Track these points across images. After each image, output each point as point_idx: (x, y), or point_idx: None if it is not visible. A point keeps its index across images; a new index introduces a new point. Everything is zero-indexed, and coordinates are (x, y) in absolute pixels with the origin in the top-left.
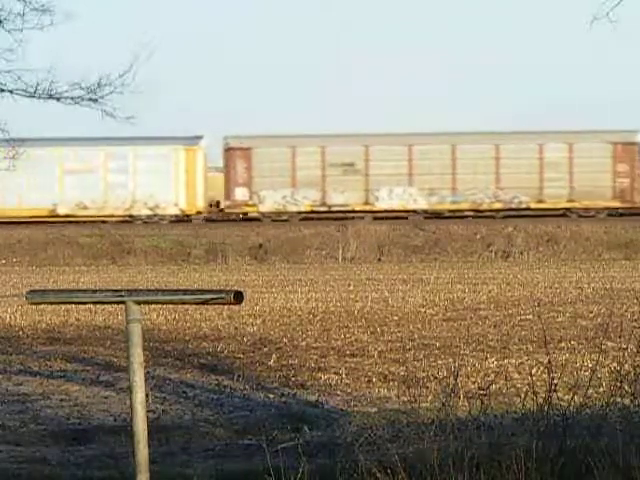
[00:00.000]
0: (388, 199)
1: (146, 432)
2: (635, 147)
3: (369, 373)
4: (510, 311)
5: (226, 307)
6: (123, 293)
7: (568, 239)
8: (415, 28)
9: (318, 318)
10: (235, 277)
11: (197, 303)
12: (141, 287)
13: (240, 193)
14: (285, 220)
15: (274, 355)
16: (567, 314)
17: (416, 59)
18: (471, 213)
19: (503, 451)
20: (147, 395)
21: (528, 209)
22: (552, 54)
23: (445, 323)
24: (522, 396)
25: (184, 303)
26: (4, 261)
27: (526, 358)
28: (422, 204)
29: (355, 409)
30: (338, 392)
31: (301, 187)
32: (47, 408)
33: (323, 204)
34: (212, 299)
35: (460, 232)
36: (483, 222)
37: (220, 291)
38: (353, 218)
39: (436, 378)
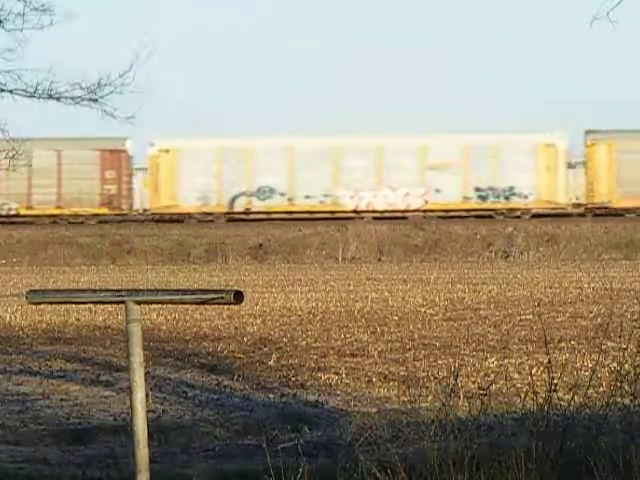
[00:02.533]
0: None
1: (146, 432)
2: (123, 154)
3: (369, 373)
4: (510, 311)
5: (226, 307)
6: (123, 293)
7: (568, 239)
8: (415, 28)
9: (318, 318)
10: (235, 277)
11: (197, 303)
12: (141, 287)
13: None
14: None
15: (274, 355)
16: (567, 314)
17: (416, 59)
18: None
19: (503, 451)
20: (147, 395)
21: (18, 215)
22: (552, 54)
23: (445, 323)
24: (522, 396)
25: (184, 303)
26: (4, 261)
27: (526, 358)
28: None
29: (355, 409)
30: (338, 392)
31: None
32: (47, 408)
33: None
34: (212, 299)
35: (460, 232)
36: (483, 222)
37: (220, 291)
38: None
39: (436, 378)
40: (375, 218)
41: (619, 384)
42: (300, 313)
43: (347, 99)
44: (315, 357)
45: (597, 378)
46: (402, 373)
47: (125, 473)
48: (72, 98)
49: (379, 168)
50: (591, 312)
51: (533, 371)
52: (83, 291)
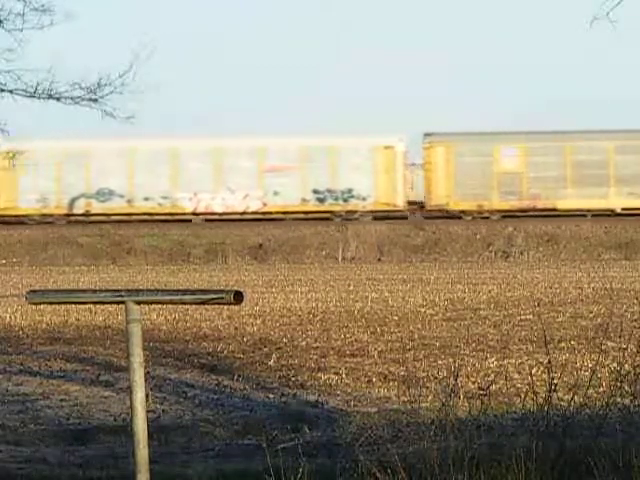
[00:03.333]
0: None
1: (146, 432)
2: None
3: (369, 373)
4: (510, 311)
5: (226, 307)
6: (123, 293)
7: (568, 239)
8: (415, 28)
9: (318, 318)
10: (235, 277)
11: (197, 303)
12: (141, 287)
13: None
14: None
15: (274, 355)
16: (567, 314)
17: (416, 59)
18: None
19: (503, 451)
20: (147, 395)
21: None
22: (552, 54)
23: (445, 323)
24: (522, 396)
25: (184, 303)
26: (4, 261)
27: (526, 358)
28: None
29: (355, 409)
30: (338, 392)
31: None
32: (47, 408)
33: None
34: (212, 299)
35: (460, 232)
36: (483, 222)
37: (220, 291)
38: None
39: (436, 378)
40: (207, 220)
41: (619, 384)
42: (300, 313)
43: (347, 99)
44: (315, 357)
45: (597, 378)
46: (402, 373)
47: (125, 473)
48: (72, 98)
49: (217, 170)
50: (591, 312)
51: (533, 371)
52: (83, 291)
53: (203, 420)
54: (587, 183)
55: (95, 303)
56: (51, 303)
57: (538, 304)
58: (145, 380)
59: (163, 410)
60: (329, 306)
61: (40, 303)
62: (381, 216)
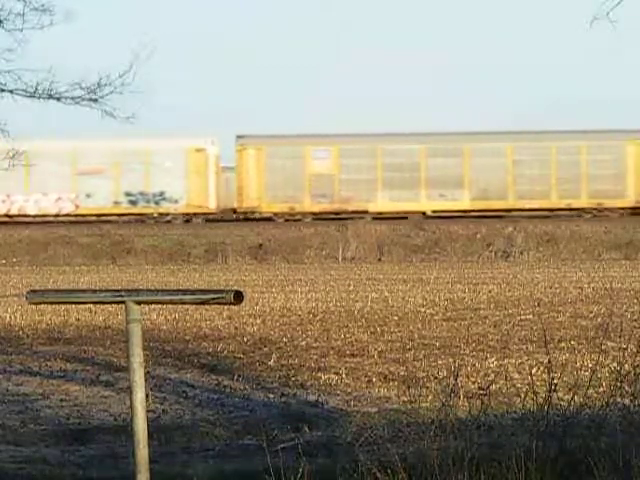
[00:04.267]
0: None
1: (146, 432)
2: None
3: (369, 373)
4: (510, 311)
5: (226, 307)
6: (123, 293)
7: (568, 239)
8: (415, 28)
9: (318, 318)
10: (235, 277)
11: (197, 303)
12: (141, 287)
13: None
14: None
15: (274, 355)
16: (567, 314)
17: (416, 59)
18: None
19: (503, 451)
20: (147, 395)
21: None
22: (552, 54)
23: (445, 323)
24: (522, 396)
25: (184, 303)
26: (4, 261)
27: (526, 358)
28: None
29: (355, 409)
30: (338, 392)
31: None
32: (47, 408)
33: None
34: (212, 299)
35: (460, 232)
36: (483, 222)
37: (220, 291)
38: None
39: (436, 378)
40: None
41: (619, 384)
42: (300, 313)
43: (347, 99)
44: (315, 357)
45: (597, 378)
46: (402, 373)
47: (125, 473)
48: (72, 98)
49: (30, 172)
50: (591, 312)
51: (533, 371)
52: (83, 291)
53: (203, 420)
54: (398, 185)
55: (95, 303)
56: (51, 303)
57: (538, 304)
58: (145, 380)
59: (163, 410)
60: (329, 306)
61: (40, 303)
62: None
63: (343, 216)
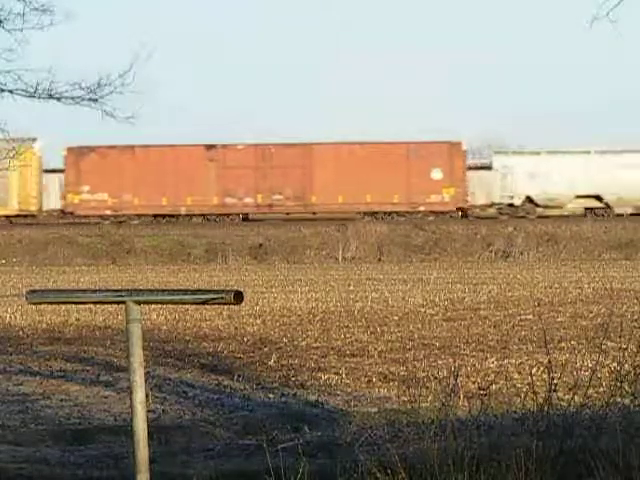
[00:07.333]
0: None
1: (146, 432)
2: None
3: (369, 373)
4: (510, 311)
5: (226, 307)
6: (123, 293)
7: (568, 239)
8: (415, 28)
9: (318, 318)
10: (235, 277)
11: (197, 303)
12: (141, 287)
13: None
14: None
15: (274, 355)
16: (567, 314)
17: (416, 59)
18: None
19: (503, 451)
20: (147, 395)
21: None
22: (552, 54)
23: (445, 323)
24: (522, 396)
25: (184, 303)
26: (4, 261)
27: (526, 358)
28: None
29: (355, 409)
30: (338, 392)
31: None
32: (47, 408)
33: None
34: (212, 299)
35: (460, 232)
36: (483, 222)
37: (220, 291)
38: None
39: (436, 378)
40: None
41: (619, 384)
42: (300, 313)
43: (347, 99)
44: (315, 357)
45: (597, 378)
46: (402, 373)
47: (125, 473)
48: (72, 98)
49: None
50: (591, 312)
51: (533, 371)
52: (83, 291)
53: (203, 420)
54: None
55: (95, 303)
56: (51, 303)
57: (538, 304)
58: (145, 380)
59: (163, 410)
60: (329, 306)
61: (40, 303)
62: None
63: None
